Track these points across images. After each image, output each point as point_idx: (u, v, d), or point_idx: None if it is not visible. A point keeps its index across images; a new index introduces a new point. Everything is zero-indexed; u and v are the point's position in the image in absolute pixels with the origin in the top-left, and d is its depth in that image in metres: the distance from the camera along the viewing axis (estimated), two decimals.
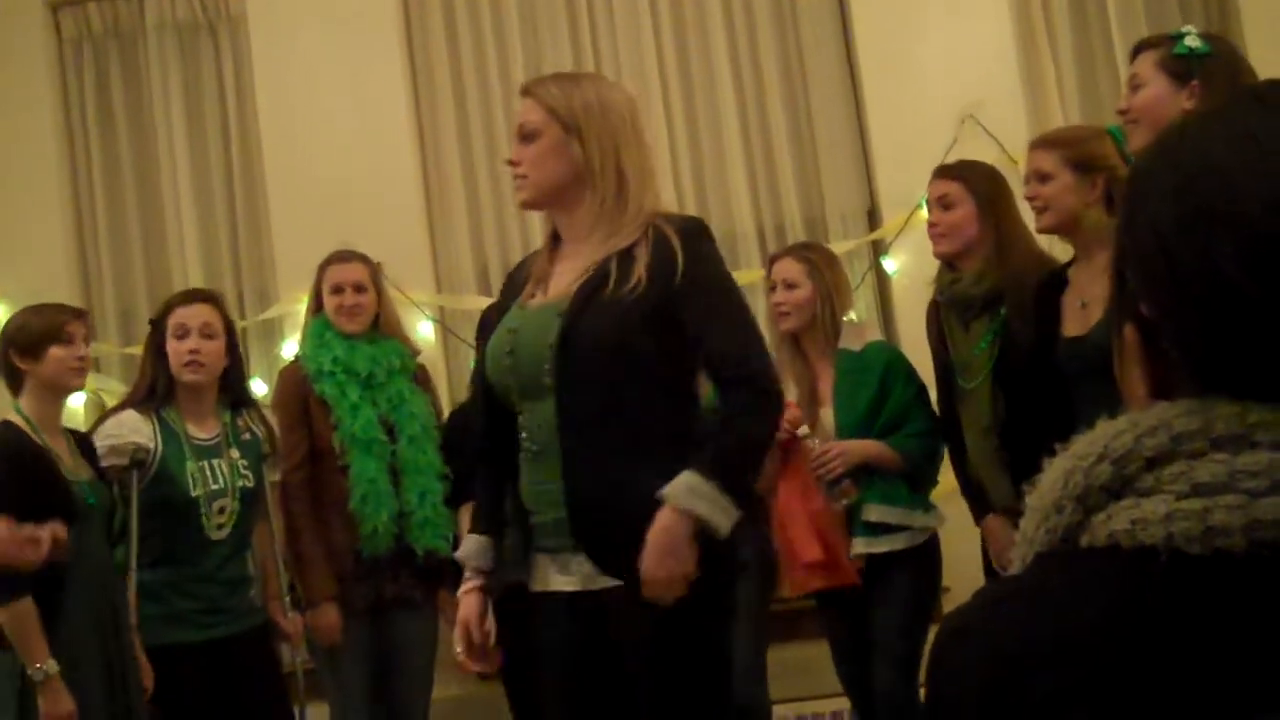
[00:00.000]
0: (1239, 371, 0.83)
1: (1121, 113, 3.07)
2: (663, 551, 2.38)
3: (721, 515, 2.40)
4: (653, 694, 2.48)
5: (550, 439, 2.50)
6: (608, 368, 2.46)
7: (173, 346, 3.74)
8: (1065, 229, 3.25)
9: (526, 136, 2.61)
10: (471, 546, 2.66)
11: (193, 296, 3.90)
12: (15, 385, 3.54)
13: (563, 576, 2.54)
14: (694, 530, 2.38)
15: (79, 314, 3.70)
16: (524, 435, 2.55)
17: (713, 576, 2.45)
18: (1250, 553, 0.78)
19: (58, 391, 3.60)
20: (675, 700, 2.47)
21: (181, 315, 3.76)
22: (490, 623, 2.65)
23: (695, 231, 2.57)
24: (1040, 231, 3.36)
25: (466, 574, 2.66)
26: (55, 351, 3.50)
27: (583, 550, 2.49)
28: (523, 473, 2.58)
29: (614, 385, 2.47)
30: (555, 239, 2.71)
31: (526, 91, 2.67)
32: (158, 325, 3.80)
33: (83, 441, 3.63)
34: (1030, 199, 3.26)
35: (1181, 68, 2.94)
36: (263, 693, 3.76)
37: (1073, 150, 3.20)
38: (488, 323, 2.88)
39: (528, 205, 2.71)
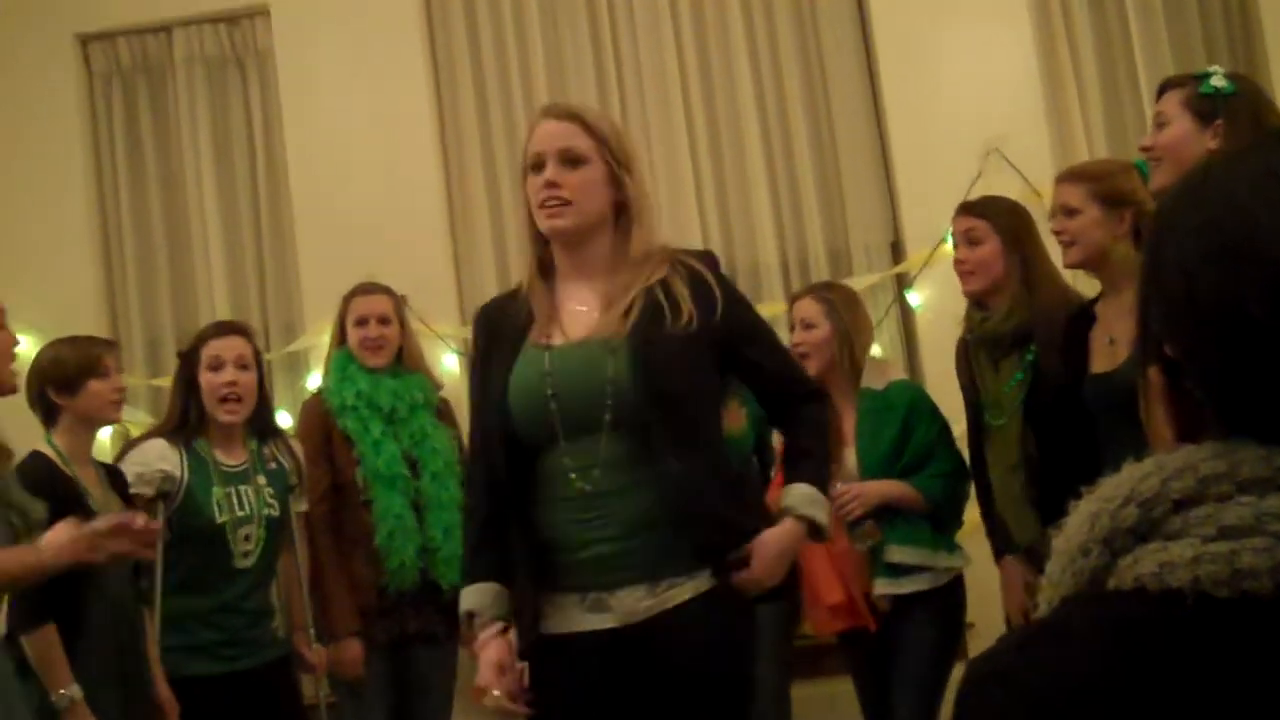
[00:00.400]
0: (1263, 413, 0.83)
1: (1145, 150, 3.06)
2: (781, 554, 2.58)
3: (826, 517, 2.68)
4: (693, 707, 2.47)
5: (611, 472, 2.49)
6: (680, 397, 2.50)
7: (207, 379, 3.75)
8: (1092, 264, 3.23)
9: (571, 161, 2.55)
10: (486, 598, 2.59)
11: (225, 329, 3.91)
12: (50, 418, 3.53)
13: (596, 615, 2.51)
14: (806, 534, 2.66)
15: (111, 345, 3.73)
16: (572, 475, 2.51)
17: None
18: (1278, 595, 0.78)
19: (94, 424, 3.63)
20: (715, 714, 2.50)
21: (216, 347, 3.77)
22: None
23: (717, 263, 2.70)
24: (1067, 266, 3.34)
25: (482, 620, 2.59)
26: (94, 385, 3.52)
27: (681, 561, 2.48)
28: (549, 511, 2.54)
29: (685, 413, 2.52)
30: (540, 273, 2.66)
31: (569, 115, 2.60)
32: (188, 357, 3.81)
33: (112, 473, 3.64)
34: (1057, 233, 3.24)
35: (1207, 107, 2.94)
36: None
37: (1100, 184, 3.18)
38: (485, 375, 2.69)
39: (566, 232, 2.56)
